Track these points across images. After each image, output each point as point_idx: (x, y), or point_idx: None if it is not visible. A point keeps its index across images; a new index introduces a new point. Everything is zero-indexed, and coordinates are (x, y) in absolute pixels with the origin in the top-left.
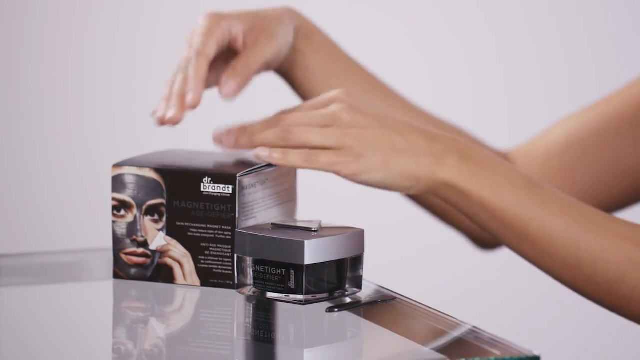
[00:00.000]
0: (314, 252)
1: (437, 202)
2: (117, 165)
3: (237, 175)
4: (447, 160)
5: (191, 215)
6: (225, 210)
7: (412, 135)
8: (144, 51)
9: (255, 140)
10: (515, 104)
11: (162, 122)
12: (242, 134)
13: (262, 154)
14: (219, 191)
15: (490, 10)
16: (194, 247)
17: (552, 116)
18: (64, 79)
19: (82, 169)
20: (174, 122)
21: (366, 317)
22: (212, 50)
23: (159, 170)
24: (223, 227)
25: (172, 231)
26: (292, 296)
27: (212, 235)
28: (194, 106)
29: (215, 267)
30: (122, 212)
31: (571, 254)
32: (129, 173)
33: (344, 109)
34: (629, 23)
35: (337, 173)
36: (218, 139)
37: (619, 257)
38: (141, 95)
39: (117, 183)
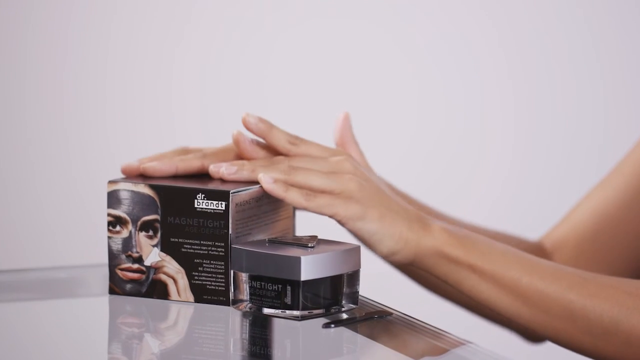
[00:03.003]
0: (310, 268)
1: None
2: (113, 182)
3: (230, 192)
4: (433, 228)
5: (185, 231)
6: (218, 226)
7: (403, 204)
8: (141, 68)
9: (257, 174)
10: (519, 104)
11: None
12: (243, 167)
13: (265, 179)
14: (212, 207)
15: (493, 11)
16: (187, 263)
17: (555, 117)
18: (59, 94)
19: (79, 185)
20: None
21: (362, 333)
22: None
23: (153, 186)
24: (216, 243)
25: (166, 247)
26: (288, 312)
27: (206, 252)
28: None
29: (209, 283)
30: (118, 228)
31: (563, 307)
32: (124, 189)
33: (347, 160)
34: (632, 24)
35: (333, 215)
36: (215, 171)
37: (611, 305)
38: (138, 111)
39: (113, 199)
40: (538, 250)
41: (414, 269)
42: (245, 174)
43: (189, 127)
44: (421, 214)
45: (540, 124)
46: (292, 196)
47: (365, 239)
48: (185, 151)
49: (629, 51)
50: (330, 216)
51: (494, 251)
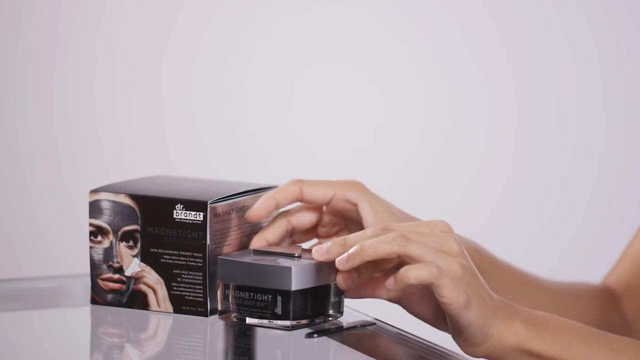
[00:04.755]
0: (300, 278)
1: None
2: (94, 191)
3: (208, 202)
4: (514, 324)
5: (164, 241)
6: (196, 237)
7: (490, 292)
8: (126, 78)
9: (366, 254)
10: (523, 107)
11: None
12: (346, 245)
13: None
14: (190, 218)
15: (496, 11)
16: (167, 273)
17: (558, 121)
18: (45, 104)
19: (62, 194)
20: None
21: (347, 343)
22: (311, 194)
23: (133, 196)
24: (195, 254)
25: (146, 257)
26: (278, 322)
27: (185, 262)
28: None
29: (188, 294)
30: (99, 238)
31: None
32: (106, 199)
33: (452, 237)
34: (633, 23)
35: (444, 297)
36: (320, 254)
37: None
38: (122, 122)
39: (94, 209)
40: (608, 294)
41: None
42: (354, 255)
43: (174, 137)
44: (505, 302)
45: (543, 128)
46: (418, 275)
47: (461, 328)
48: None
49: (634, 52)
50: (440, 297)
51: (576, 341)
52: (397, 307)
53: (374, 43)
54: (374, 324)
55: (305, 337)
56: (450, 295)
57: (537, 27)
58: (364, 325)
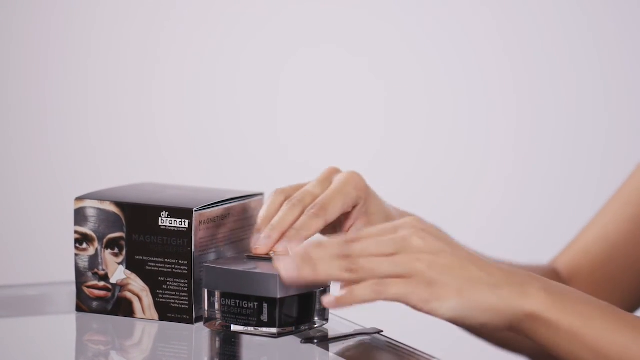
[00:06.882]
0: (287, 285)
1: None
2: (80, 199)
3: (194, 209)
4: (530, 291)
5: (149, 249)
6: (182, 244)
7: (488, 266)
8: (116, 85)
9: (319, 274)
10: (523, 110)
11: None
12: (305, 264)
13: (327, 300)
14: (175, 225)
15: (496, 11)
16: (152, 281)
17: (557, 116)
18: (35, 111)
19: (47, 202)
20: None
21: (336, 352)
22: (333, 216)
23: (118, 203)
24: (180, 261)
25: (131, 265)
26: (264, 329)
27: (170, 270)
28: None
29: (173, 301)
30: (84, 245)
31: None
32: (91, 206)
33: (415, 233)
34: (633, 23)
35: (407, 303)
36: (280, 265)
37: None
38: (106, 129)
39: (80, 216)
40: (554, 275)
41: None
42: (307, 274)
43: (162, 144)
44: (512, 273)
45: (544, 128)
46: (361, 294)
47: (449, 319)
48: (285, 196)
49: (634, 52)
50: (404, 303)
51: (596, 313)
52: (382, 315)
53: (373, 43)
54: (381, 331)
55: (302, 342)
56: (405, 299)
57: (537, 27)
58: (367, 333)
